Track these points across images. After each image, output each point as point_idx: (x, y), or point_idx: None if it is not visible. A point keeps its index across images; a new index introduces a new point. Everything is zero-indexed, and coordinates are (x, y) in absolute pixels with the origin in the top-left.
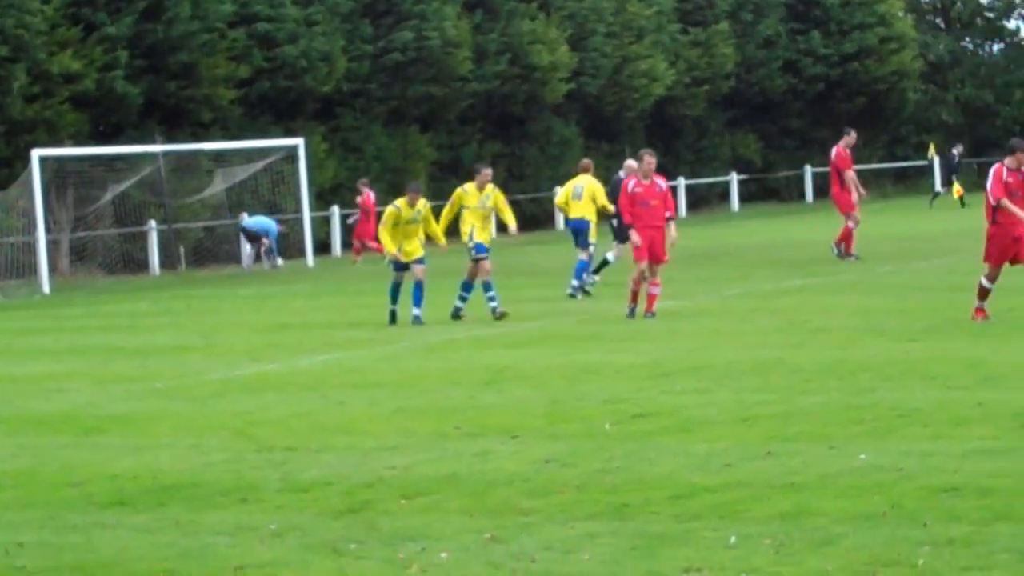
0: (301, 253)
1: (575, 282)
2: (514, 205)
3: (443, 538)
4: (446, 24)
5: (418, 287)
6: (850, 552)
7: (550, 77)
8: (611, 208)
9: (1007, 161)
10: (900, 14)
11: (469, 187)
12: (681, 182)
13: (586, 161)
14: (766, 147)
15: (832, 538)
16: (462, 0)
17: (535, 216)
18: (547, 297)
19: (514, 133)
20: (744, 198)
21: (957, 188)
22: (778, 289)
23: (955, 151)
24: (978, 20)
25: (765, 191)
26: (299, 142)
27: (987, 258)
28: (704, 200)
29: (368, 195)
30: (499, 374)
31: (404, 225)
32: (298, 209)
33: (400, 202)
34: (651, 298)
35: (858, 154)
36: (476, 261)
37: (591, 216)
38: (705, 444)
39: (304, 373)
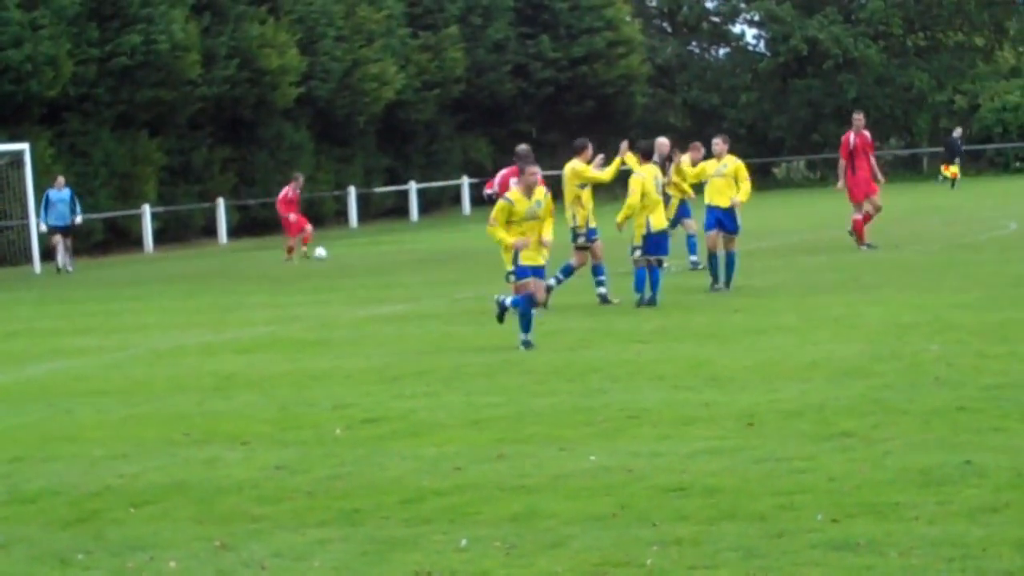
0: (28, 260)
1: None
2: (244, 211)
3: (172, 546)
4: (174, 27)
5: (529, 305)
6: (580, 553)
7: (280, 81)
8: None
9: None
10: (628, 19)
11: (514, 195)
12: (412, 186)
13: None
14: (497, 151)
15: (562, 539)
16: (190, 3)
17: (266, 221)
18: (276, 303)
19: (244, 138)
20: (475, 202)
21: (953, 170)
22: (508, 292)
23: (956, 133)
24: (704, 24)
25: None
26: (24, 147)
27: None
28: (436, 204)
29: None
30: (228, 380)
31: (519, 223)
32: (24, 216)
33: (513, 193)
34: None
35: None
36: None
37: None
38: (435, 448)
39: (30, 382)
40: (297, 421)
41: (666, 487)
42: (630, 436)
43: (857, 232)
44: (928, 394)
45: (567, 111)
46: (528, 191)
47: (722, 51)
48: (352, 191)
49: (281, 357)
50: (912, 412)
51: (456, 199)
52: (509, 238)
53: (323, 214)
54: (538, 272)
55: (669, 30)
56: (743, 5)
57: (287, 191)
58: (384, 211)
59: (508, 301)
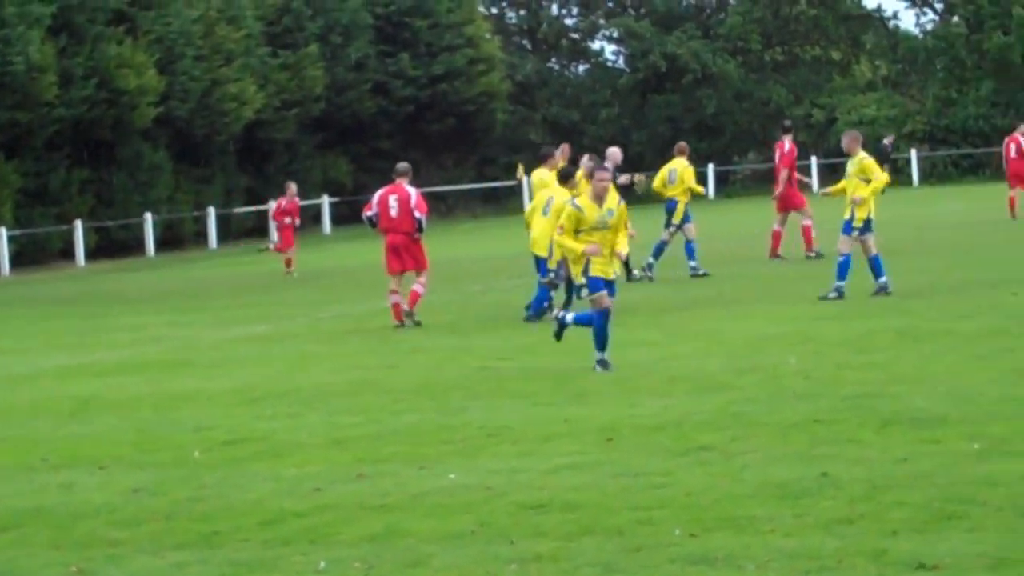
0: None
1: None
2: (102, 232)
3: (29, 573)
4: (30, 49)
5: (604, 321)
6: (439, 572)
7: (138, 101)
8: (700, 190)
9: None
10: (488, 36)
11: (583, 201)
12: (273, 206)
13: (682, 144)
14: (357, 169)
15: (422, 558)
16: (47, 24)
17: (126, 243)
18: (137, 325)
19: (102, 159)
20: (336, 221)
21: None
22: (371, 310)
23: (886, 141)
24: (564, 41)
25: (357, 213)
26: None
27: None
28: None
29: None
30: (87, 404)
31: (588, 232)
32: None
33: (582, 200)
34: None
35: (448, 175)
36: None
37: (680, 198)
38: (296, 468)
39: None
40: (156, 443)
41: (526, 504)
42: (490, 453)
43: (805, 238)
44: (786, 407)
45: (428, 129)
46: (599, 199)
47: (582, 67)
48: (212, 212)
49: (142, 379)
50: (770, 425)
51: (317, 218)
52: (579, 245)
53: (182, 235)
54: (610, 286)
55: (529, 47)
56: (602, 22)
57: (280, 202)
58: (245, 231)
59: (570, 318)
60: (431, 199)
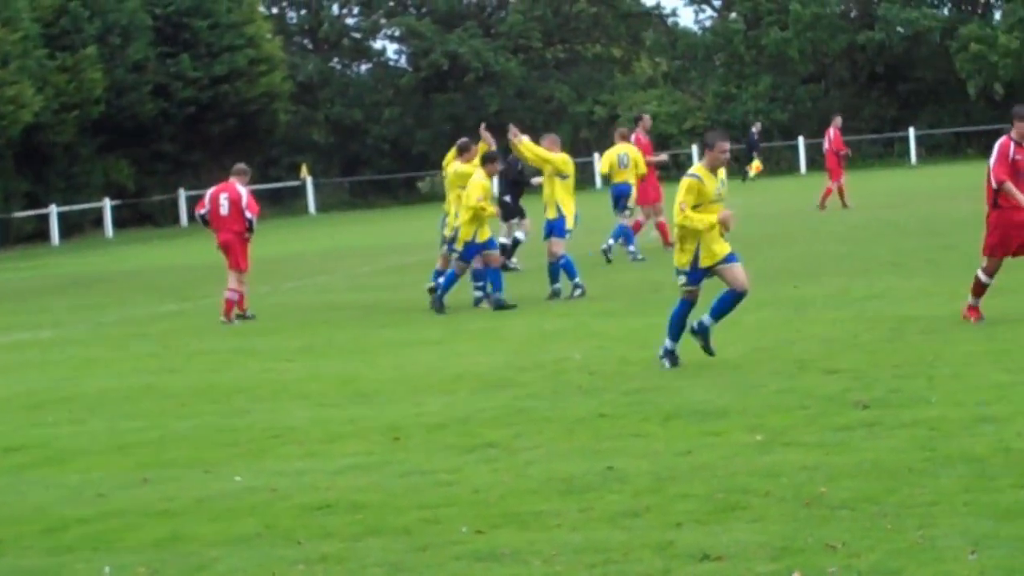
0: None
1: (611, 241)
2: None
3: None
4: None
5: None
6: (224, 575)
7: None
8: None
9: (1012, 133)
10: (269, 36)
11: (700, 170)
12: (53, 209)
13: (623, 130)
14: (139, 172)
15: (207, 562)
16: None
17: None
18: None
19: None
20: (118, 224)
21: (756, 164)
22: (154, 314)
23: (754, 129)
24: (345, 41)
25: (139, 216)
26: None
27: (987, 250)
28: (78, 227)
29: None
30: None
31: (706, 205)
32: None
33: (699, 169)
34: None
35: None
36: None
37: (632, 181)
38: (78, 475)
39: None
40: None
41: (311, 505)
42: (275, 455)
43: (662, 234)
44: (571, 402)
45: (209, 130)
46: (714, 169)
47: (364, 67)
48: None
49: None
50: (555, 420)
51: (98, 222)
52: (709, 216)
53: None
54: (731, 258)
55: (310, 47)
56: (383, 21)
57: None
58: (24, 236)
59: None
60: None
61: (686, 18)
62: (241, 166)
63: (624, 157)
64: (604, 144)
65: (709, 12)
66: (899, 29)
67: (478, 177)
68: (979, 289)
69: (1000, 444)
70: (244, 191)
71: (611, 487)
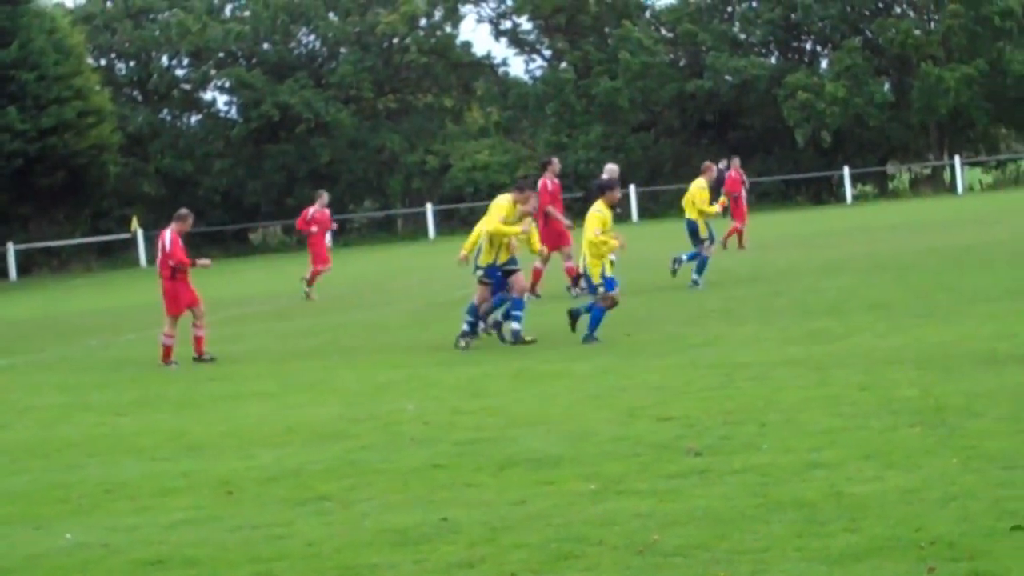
0: None
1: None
2: None
3: None
4: None
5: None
6: None
7: None
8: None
9: None
10: (97, 87)
11: (601, 206)
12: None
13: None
14: None
15: None
16: None
17: None
18: None
19: None
20: None
21: (722, 200)
22: None
23: (721, 166)
24: (175, 92)
25: None
26: None
27: None
28: None
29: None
30: None
31: (607, 232)
32: None
33: (600, 204)
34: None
35: (61, 229)
36: None
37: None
38: None
39: None
40: None
41: (144, 560)
42: (107, 511)
43: (570, 276)
44: (404, 453)
45: (38, 183)
46: (611, 206)
47: (194, 118)
48: None
49: None
50: (389, 472)
51: None
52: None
53: None
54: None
55: (140, 98)
56: (213, 72)
57: (306, 211)
58: None
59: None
60: (43, 254)
61: (517, 68)
62: (180, 212)
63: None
64: (436, 194)
65: (540, 62)
66: (727, 77)
67: (596, 210)
68: None
69: (831, 489)
70: (168, 236)
71: (445, 538)
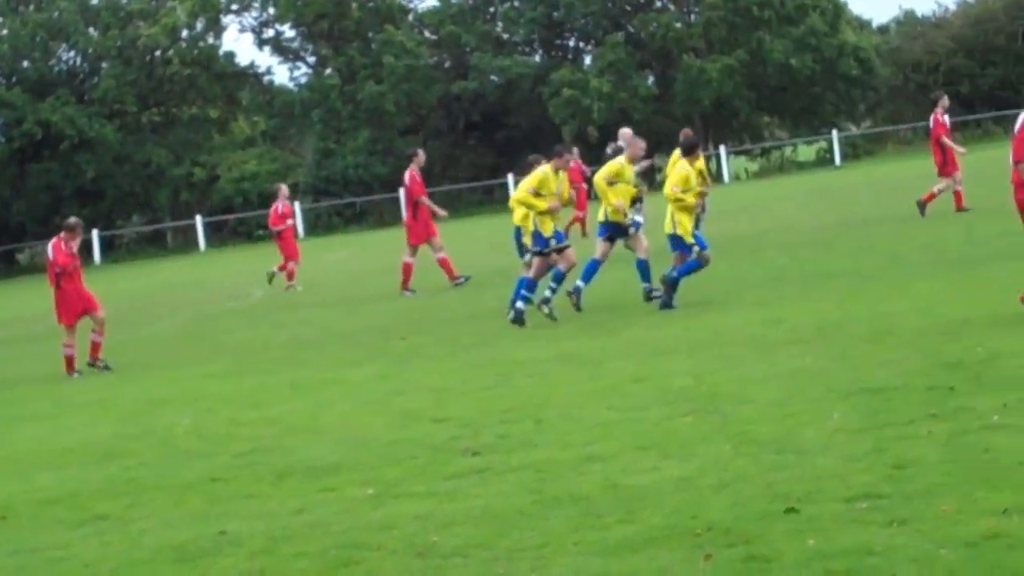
0: None
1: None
2: None
3: None
4: None
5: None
6: None
7: None
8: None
9: None
10: None
11: (548, 169)
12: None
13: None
14: None
15: None
16: None
17: None
18: None
19: None
20: None
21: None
22: None
23: (609, 150)
24: None
25: None
26: None
27: None
28: None
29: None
30: None
31: (549, 196)
32: None
33: (547, 168)
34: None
35: None
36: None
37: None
38: None
39: None
40: None
41: None
42: None
43: (444, 268)
44: (181, 468)
45: None
46: (557, 172)
47: None
48: None
49: None
50: (166, 488)
51: None
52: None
53: None
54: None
55: None
56: None
57: (276, 207)
58: None
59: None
60: None
61: (282, 76)
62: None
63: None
64: (206, 205)
65: (304, 69)
66: (493, 77)
67: (681, 168)
68: None
69: (607, 482)
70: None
71: (225, 551)
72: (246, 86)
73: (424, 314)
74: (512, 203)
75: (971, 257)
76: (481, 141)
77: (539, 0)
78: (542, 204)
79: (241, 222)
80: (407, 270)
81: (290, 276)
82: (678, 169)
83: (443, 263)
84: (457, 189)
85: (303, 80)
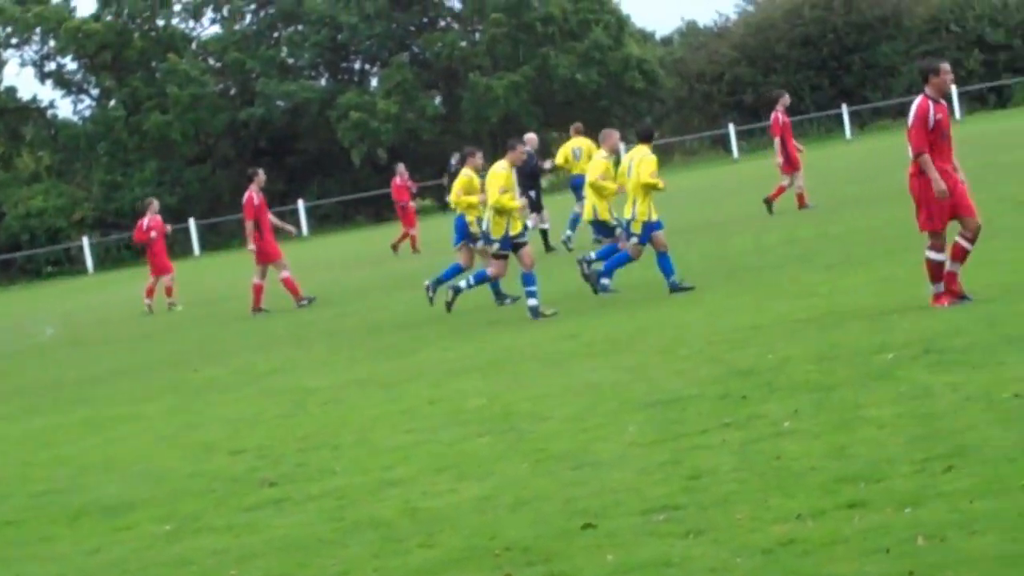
0: None
1: (569, 232)
2: None
3: None
4: None
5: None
6: None
7: None
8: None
9: (928, 90)
10: None
11: (503, 166)
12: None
13: (578, 124)
14: None
15: None
16: None
17: None
18: None
19: None
20: None
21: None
22: None
23: (454, 160)
24: None
25: None
26: None
27: (924, 225)
28: None
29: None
30: None
31: (512, 192)
32: None
33: (503, 163)
34: None
35: None
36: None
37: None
38: None
39: None
40: None
41: None
42: None
43: (290, 289)
44: None
45: None
46: (513, 165)
47: None
48: None
49: None
50: None
51: None
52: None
53: None
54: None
55: None
56: None
57: (141, 222)
58: None
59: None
60: None
61: (65, 109)
62: None
63: (578, 151)
64: None
65: (88, 101)
66: (279, 103)
67: (599, 157)
68: (936, 272)
69: (406, 506)
70: None
71: None
72: (29, 121)
73: (217, 346)
74: (491, 207)
75: (756, 264)
76: (271, 167)
77: (323, 24)
78: (513, 203)
79: (29, 259)
80: (257, 291)
81: (168, 292)
82: (597, 159)
83: (287, 283)
84: (239, 218)
85: (87, 113)
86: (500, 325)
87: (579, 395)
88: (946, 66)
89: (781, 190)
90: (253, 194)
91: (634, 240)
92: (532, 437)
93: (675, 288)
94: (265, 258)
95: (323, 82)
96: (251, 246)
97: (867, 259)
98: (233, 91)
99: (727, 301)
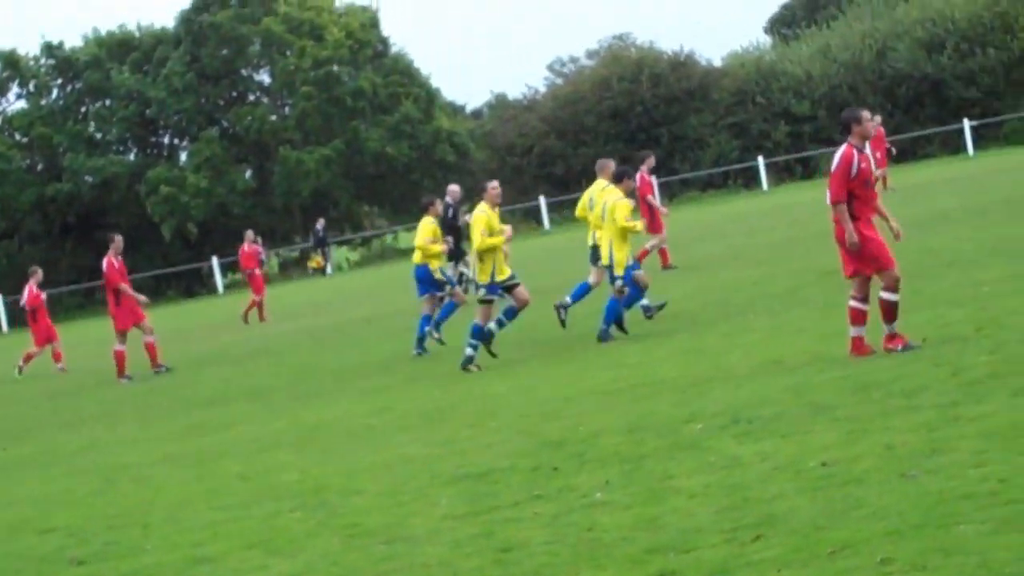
0: None
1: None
2: None
3: None
4: None
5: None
6: None
7: None
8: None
9: (852, 139)
10: None
11: (484, 208)
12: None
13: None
14: None
15: None
16: None
17: None
18: None
19: None
20: None
21: (317, 260)
22: None
23: (319, 225)
24: None
25: None
26: None
27: (848, 272)
28: None
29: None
30: None
31: (496, 234)
32: None
33: (483, 206)
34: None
35: None
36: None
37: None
38: None
39: None
40: None
41: None
42: None
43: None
44: None
45: None
46: (493, 207)
47: None
48: None
49: None
50: None
51: None
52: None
53: None
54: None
55: None
56: None
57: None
58: None
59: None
60: None
61: None
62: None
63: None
64: None
65: None
66: (87, 178)
67: (480, 212)
68: (889, 312)
69: None
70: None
71: None
72: None
73: (24, 423)
74: (475, 253)
75: (567, 336)
76: (79, 243)
77: (131, 98)
78: (499, 240)
79: None
80: (119, 358)
81: (56, 357)
82: (477, 214)
83: (149, 348)
84: (57, 292)
85: None
86: (314, 398)
87: (391, 469)
88: (867, 114)
89: (647, 251)
90: (112, 259)
91: (619, 283)
92: (344, 512)
93: (604, 337)
94: (123, 325)
95: (132, 156)
96: (143, 298)
97: (674, 330)
98: (40, 166)
99: (539, 372)
